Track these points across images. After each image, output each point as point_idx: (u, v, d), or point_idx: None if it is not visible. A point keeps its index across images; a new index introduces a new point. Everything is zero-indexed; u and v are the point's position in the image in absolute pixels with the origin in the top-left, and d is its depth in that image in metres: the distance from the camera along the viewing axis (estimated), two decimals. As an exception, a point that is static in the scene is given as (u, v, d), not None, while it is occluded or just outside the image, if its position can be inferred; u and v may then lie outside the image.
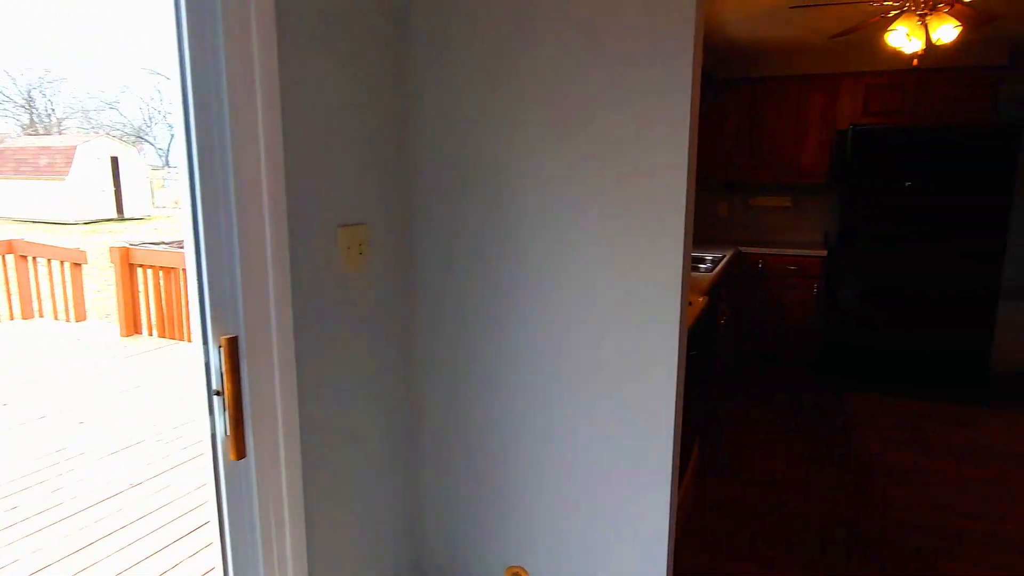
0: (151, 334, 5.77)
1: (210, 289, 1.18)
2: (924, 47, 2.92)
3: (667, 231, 1.50)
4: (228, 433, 1.20)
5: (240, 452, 1.22)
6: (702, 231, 5.45)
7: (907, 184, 4.07)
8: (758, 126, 4.87)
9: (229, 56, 1.12)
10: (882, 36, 3.25)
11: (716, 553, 2.49)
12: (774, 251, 4.66)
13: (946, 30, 2.74)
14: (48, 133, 23.99)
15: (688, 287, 1.69)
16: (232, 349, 1.18)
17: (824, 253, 4.56)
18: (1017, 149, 3.82)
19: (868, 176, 4.16)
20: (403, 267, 1.73)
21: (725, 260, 4.00)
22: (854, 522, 2.70)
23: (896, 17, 2.95)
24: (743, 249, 4.73)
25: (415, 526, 1.89)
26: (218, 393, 1.20)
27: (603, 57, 1.47)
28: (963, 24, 2.84)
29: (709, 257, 4.13)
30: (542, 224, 1.60)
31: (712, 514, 2.77)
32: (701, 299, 2.74)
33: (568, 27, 1.50)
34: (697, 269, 3.74)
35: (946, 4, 2.81)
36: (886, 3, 2.95)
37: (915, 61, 3.22)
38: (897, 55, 4.36)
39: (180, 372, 4.83)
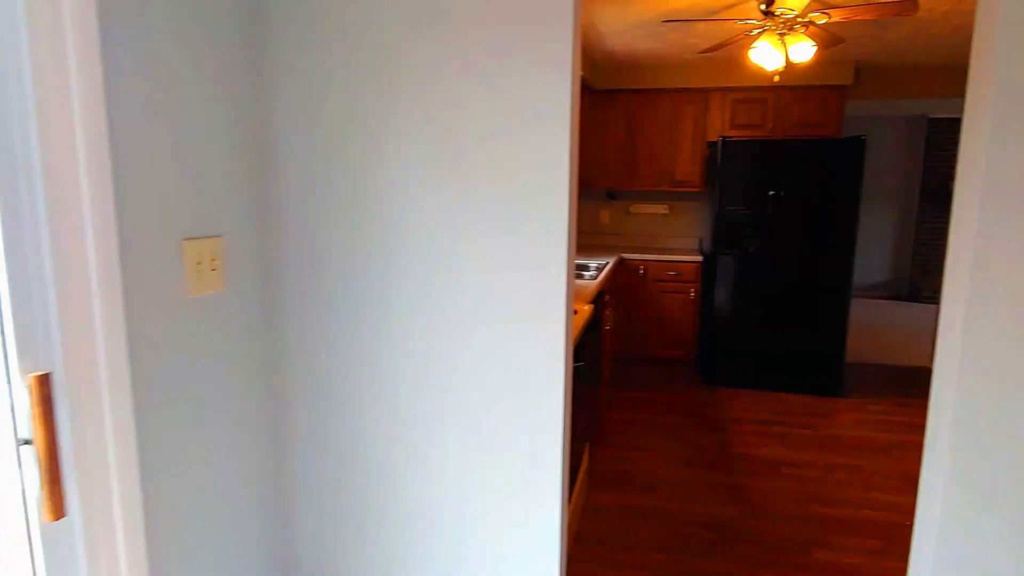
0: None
1: (13, 316, 0.97)
2: (784, 65, 3.10)
3: (550, 240, 1.44)
4: (42, 489, 1.00)
5: (58, 511, 1.02)
6: (585, 239, 5.54)
7: (771, 193, 4.33)
8: (636, 136, 5.03)
9: (32, 23, 0.93)
10: (746, 54, 3.43)
11: (604, 561, 2.48)
12: (654, 257, 4.82)
13: (803, 48, 2.92)
14: None
15: (572, 298, 1.64)
16: (44, 389, 0.98)
17: (700, 259, 4.77)
18: (863, 160, 4.17)
19: (737, 185, 4.39)
20: (268, 283, 1.56)
21: (608, 267, 4.07)
22: (736, 520, 2.80)
23: (758, 36, 3.11)
24: (625, 256, 4.85)
25: (290, 567, 1.71)
26: (27, 442, 0.99)
27: (479, 51, 1.40)
28: (816, 44, 3.04)
29: (593, 265, 4.19)
30: (419, 233, 1.50)
31: (601, 521, 2.77)
32: (587, 307, 2.74)
33: (440, 19, 1.41)
34: (581, 277, 3.76)
35: (802, 25, 3.00)
36: (749, 22, 3.10)
37: (776, 78, 3.41)
38: (761, 72, 4.65)
39: None
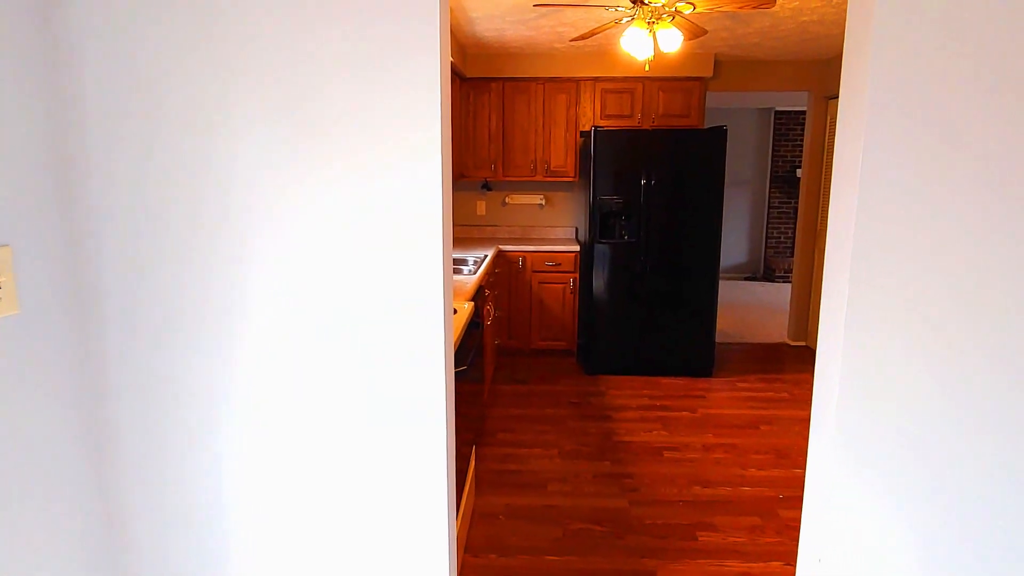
0: None
1: None
2: (654, 55, 3.11)
3: (423, 235, 1.28)
4: None
5: None
6: (462, 231, 5.41)
7: (643, 182, 4.41)
8: (510, 126, 4.95)
9: None
10: (616, 44, 3.44)
11: (495, 569, 2.37)
12: (533, 248, 4.78)
13: (672, 36, 2.94)
14: None
15: (451, 298, 1.49)
16: None
17: (577, 248, 4.78)
18: (725, 149, 4.35)
19: (610, 174, 4.44)
20: (80, 298, 1.28)
21: (487, 260, 3.96)
22: (626, 511, 2.79)
23: (628, 24, 3.11)
24: (503, 248, 4.77)
25: (127, 638, 1.44)
26: None
27: (340, 19, 1.21)
28: (683, 34, 3.08)
29: (472, 259, 4.06)
30: (271, 232, 1.28)
31: (490, 526, 2.66)
32: (467, 305, 2.61)
33: (288, -12, 1.20)
34: (460, 272, 3.63)
35: (669, 15, 3.02)
36: (620, 10, 3.09)
37: (647, 67, 3.44)
38: (629, 62, 4.72)
39: None
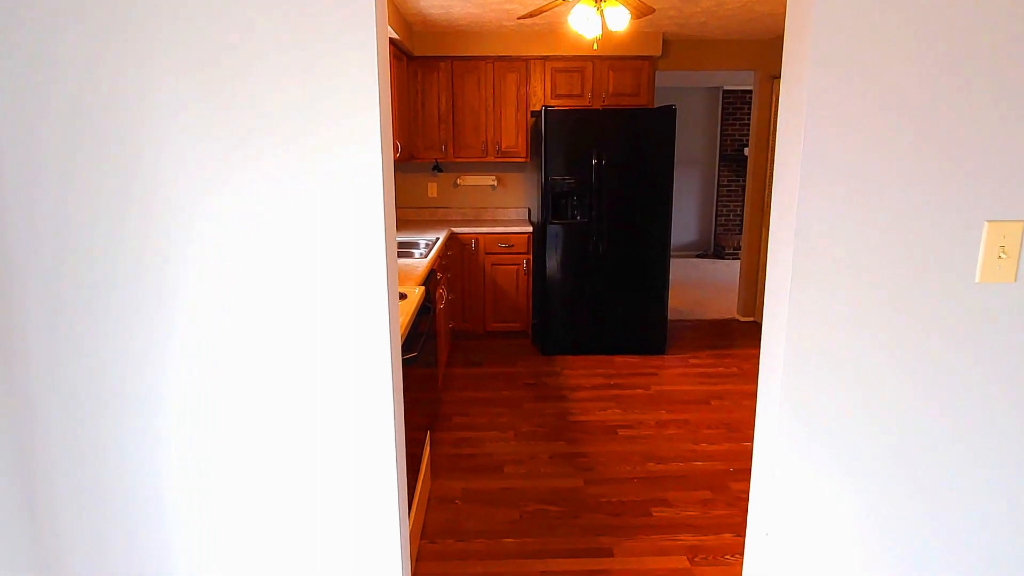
0: None
1: None
2: (602, 33, 3.09)
3: (364, 216, 1.23)
4: None
5: None
6: (413, 214, 5.33)
7: (594, 162, 4.41)
8: (460, 106, 4.87)
9: None
10: (565, 21, 3.40)
11: (452, 554, 2.37)
12: (485, 230, 4.74)
13: (619, 15, 2.92)
14: None
15: (395, 284, 1.45)
16: None
17: (530, 229, 4.77)
18: (675, 128, 4.38)
19: (561, 154, 4.42)
20: (-10, 296, 1.20)
21: (439, 243, 3.90)
22: (581, 490, 2.81)
23: (576, 1, 3.07)
24: (456, 230, 4.71)
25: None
26: None
27: None
28: (630, 12, 3.06)
29: (423, 242, 4.00)
30: (201, 227, 1.22)
31: (447, 510, 2.64)
32: (417, 290, 2.56)
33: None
34: (411, 256, 3.57)
35: (616, -8, 3.00)
36: (566, -14, 3.04)
37: (595, 46, 3.41)
38: (578, 41, 4.69)
39: None
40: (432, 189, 5.32)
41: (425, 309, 2.59)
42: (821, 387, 1.33)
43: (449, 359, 4.55)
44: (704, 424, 3.48)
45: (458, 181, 5.30)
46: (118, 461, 1.31)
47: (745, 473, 2.95)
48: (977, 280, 1.27)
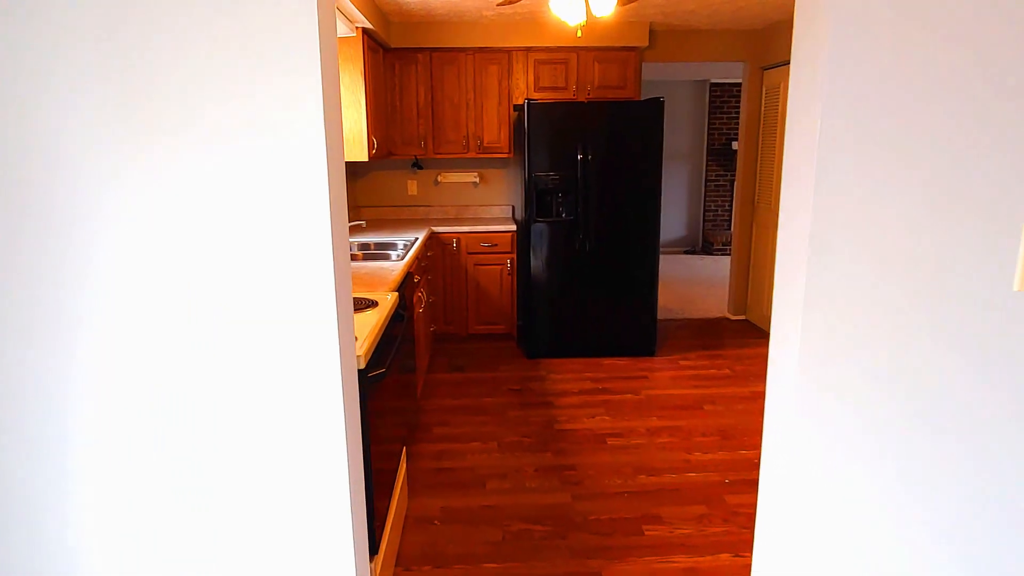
0: None
1: None
2: (586, 20, 2.91)
3: (306, 219, 1.05)
4: None
5: None
6: (392, 213, 5.13)
7: (579, 157, 4.23)
8: (439, 99, 4.67)
9: None
10: (547, 9, 3.22)
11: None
12: (467, 229, 4.55)
13: (603, 1, 2.74)
14: None
15: (348, 293, 1.27)
16: None
17: (514, 228, 4.58)
18: (662, 121, 4.21)
19: (545, 149, 4.24)
20: None
21: (418, 243, 3.71)
22: (568, 506, 2.64)
23: (558, -14, 2.89)
24: (436, 230, 4.52)
25: None
26: None
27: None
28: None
29: (401, 243, 3.81)
30: (110, 204, 1.03)
31: (425, 532, 2.46)
32: (390, 297, 2.37)
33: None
34: (387, 258, 3.37)
35: (600, -24, 2.82)
36: (548, -30, 2.86)
37: (579, 33, 3.24)
38: (561, 31, 4.51)
39: None
40: (412, 187, 5.13)
41: (399, 316, 2.40)
42: (838, 338, 1.16)
43: (430, 364, 4.36)
44: (697, 431, 3.32)
45: (439, 178, 5.11)
46: (19, 478, 1.12)
47: (741, 485, 2.79)
48: (1016, 289, 1.11)
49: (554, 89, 4.69)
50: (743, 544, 2.38)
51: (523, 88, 4.68)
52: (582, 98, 4.69)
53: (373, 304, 2.25)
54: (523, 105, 4.22)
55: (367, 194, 5.11)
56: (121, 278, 1.05)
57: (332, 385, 1.11)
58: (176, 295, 1.06)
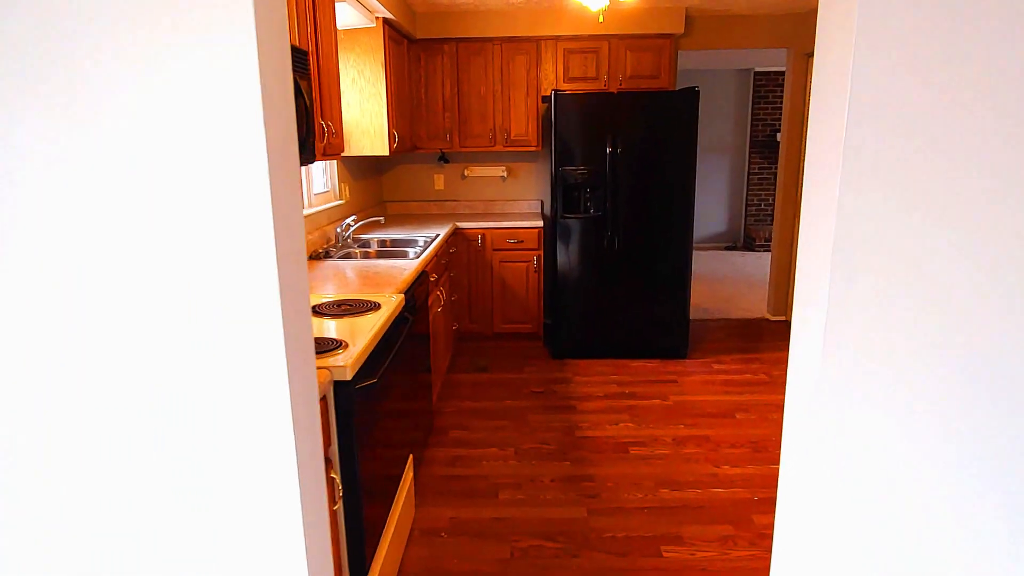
0: None
1: None
2: (609, 3, 2.73)
3: (242, 211, 0.93)
4: None
5: None
6: (419, 208, 5.04)
7: (608, 150, 4.05)
8: (466, 91, 4.54)
9: None
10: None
11: (436, 603, 2.08)
12: (493, 225, 4.42)
13: (627, -17, 2.55)
14: None
15: (302, 307, 1.15)
16: None
17: (540, 224, 4.43)
18: (697, 112, 4.00)
19: (573, 142, 4.07)
20: None
21: (437, 241, 3.60)
22: (584, 522, 2.50)
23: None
24: (461, 225, 4.40)
25: None
26: None
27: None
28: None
29: (422, 239, 3.70)
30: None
31: (430, 546, 2.35)
32: (395, 299, 2.26)
33: None
34: (405, 256, 3.27)
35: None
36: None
37: (601, 18, 3.05)
38: (594, 19, 4.32)
39: None
40: (439, 181, 5.02)
41: (402, 320, 2.29)
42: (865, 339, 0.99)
43: (451, 364, 4.26)
44: (727, 442, 3.13)
45: (466, 172, 4.99)
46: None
47: (772, 504, 2.59)
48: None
49: (584, 79, 4.51)
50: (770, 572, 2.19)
51: (552, 79, 4.52)
52: (613, 88, 4.49)
53: (375, 307, 2.14)
54: (551, 96, 4.06)
55: (393, 188, 5.03)
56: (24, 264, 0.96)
57: (278, 399, 0.99)
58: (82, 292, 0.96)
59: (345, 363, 1.61)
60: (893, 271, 0.96)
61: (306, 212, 3.19)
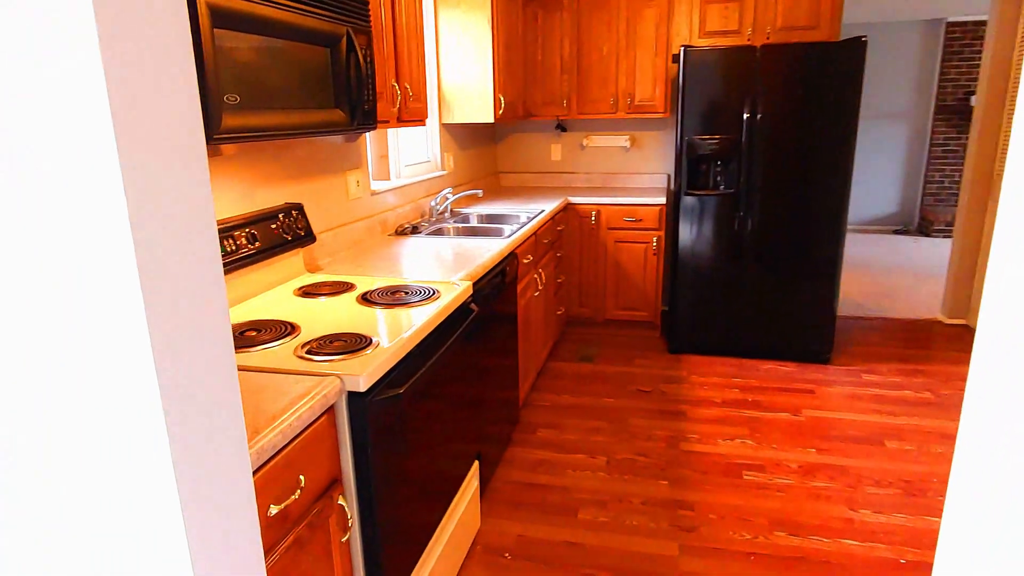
0: None
1: None
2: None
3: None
4: None
5: None
6: (535, 179, 4.71)
7: (746, 115, 3.46)
8: (586, 51, 4.11)
9: None
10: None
11: (482, 642, 1.80)
12: (608, 201, 3.99)
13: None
14: None
15: (218, 325, 0.86)
16: None
17: (663, 201, 3.93)
18: (863, 69, 3.28)
19: (703, 107, 3.52)
20: None
21: (540, 217, 3.25)
22: (671, 562, 2.09)
23: None
24: (573, 200, 4.02)
25: None
26: None
27: None
28: None
29: (524, 215, 3.38)
30: None
31: (490, 569, 2.07)
32: (460, 287, 1.96)
33: None
34: (500, 234, 2.97)
35: None
36: None
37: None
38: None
39: None
40: (556, 151, 4.65)
41: (466, 311, 1.99)
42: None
43: (553, 352, 3.93)
44: (871, 477, 2.54)
45: (585, 142, 4.57)
46: None
47: (924, 570, 2.03)
48: None
49: (724, 34, 3.89)
50: (913, 669, 1.68)
51: (686, 34, 3.95)
52: (758, 43, 3.84)
53: (432, 295, 1.86)
54: (679, 53, 3.52)
55: (507, 159, 4.74)
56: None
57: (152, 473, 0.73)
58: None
59: (362, 370, 1.34)
60: None
61: (395, 184, 2.97)
